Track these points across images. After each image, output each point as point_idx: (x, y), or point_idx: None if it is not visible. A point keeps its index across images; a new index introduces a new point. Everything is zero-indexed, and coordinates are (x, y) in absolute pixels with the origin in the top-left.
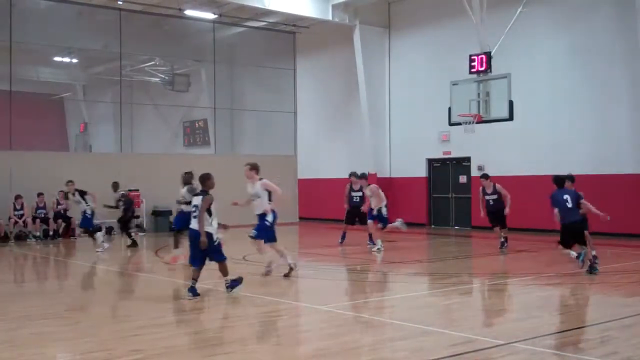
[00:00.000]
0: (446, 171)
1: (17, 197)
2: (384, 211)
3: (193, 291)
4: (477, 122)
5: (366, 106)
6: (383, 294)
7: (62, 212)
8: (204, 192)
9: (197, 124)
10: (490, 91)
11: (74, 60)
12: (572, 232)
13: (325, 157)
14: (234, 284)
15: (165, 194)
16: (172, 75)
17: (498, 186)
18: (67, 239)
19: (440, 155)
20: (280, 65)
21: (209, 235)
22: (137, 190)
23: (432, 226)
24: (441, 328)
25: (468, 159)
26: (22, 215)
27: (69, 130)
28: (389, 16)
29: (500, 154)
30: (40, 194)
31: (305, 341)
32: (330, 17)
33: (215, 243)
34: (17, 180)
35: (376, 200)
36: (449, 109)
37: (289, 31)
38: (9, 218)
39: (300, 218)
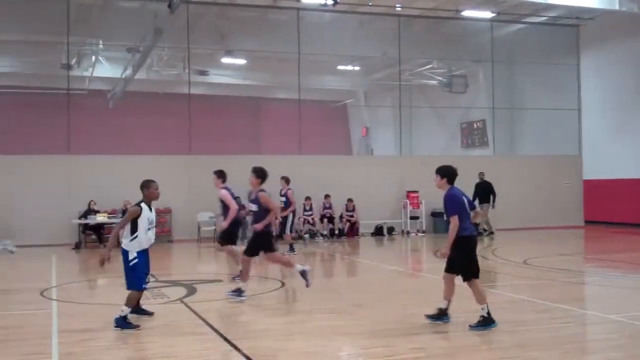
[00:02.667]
0: None
1: (307, 198)
2: None
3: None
4: None
5: None
6: None
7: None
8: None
9: (475, 125)
10: None
11: (356, 68)
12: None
13: (612, 156)
14: (122, 323)
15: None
16: (450, 77)
17: (289, 192)
18: (352, 238)
19: None
20: (562, 61)
21: (125, 252)
22: (417, 191)
23: None
24: None
25: None
26: (310, 214)
27: (352, 134)
28: None
29: None
30: (327, 196)
31: (594, 351)
32: (617, 7)
33: (131, 264)
34: (306, 181)
35: None
36: None
37: (572, 24)
38: (299, 218)
39: (586, 221)
